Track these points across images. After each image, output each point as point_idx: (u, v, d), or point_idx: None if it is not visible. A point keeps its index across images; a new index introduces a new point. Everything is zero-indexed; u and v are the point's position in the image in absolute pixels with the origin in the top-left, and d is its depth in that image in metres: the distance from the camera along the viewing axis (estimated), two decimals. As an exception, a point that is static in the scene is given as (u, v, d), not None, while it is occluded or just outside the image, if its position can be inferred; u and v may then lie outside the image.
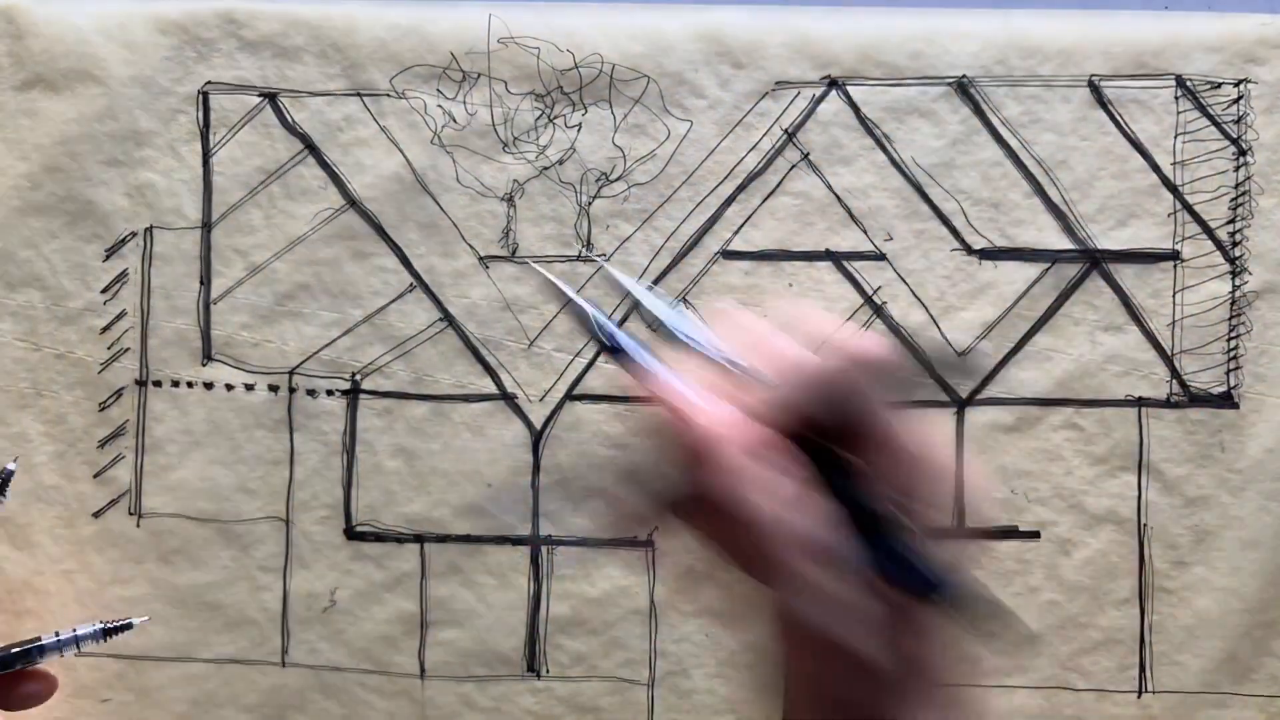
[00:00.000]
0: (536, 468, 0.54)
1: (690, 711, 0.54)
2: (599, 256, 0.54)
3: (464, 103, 0.54)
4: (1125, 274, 0.54)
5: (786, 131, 0.54)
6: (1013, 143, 0.54)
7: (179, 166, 0.54)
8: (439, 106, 0.54)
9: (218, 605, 0.54)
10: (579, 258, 0.54)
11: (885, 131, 0.54)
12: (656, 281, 0.54)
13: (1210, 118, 0.53)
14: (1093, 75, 0.53)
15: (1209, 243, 0.53)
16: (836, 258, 0.54)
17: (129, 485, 0.54)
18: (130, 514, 0.54)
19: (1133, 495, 0.54)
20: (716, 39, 0.54)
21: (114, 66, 0.54)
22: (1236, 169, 0.53)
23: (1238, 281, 0.53)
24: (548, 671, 0.54)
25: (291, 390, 0.54)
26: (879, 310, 0.54)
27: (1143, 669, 0.54)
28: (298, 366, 0.54)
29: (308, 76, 0.54)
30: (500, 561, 0.54)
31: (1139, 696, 0.54)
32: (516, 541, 0.54)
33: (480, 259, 0.54)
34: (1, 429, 0.54)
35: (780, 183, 0.54)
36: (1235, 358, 0.53)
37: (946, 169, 0.54)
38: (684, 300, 0.54)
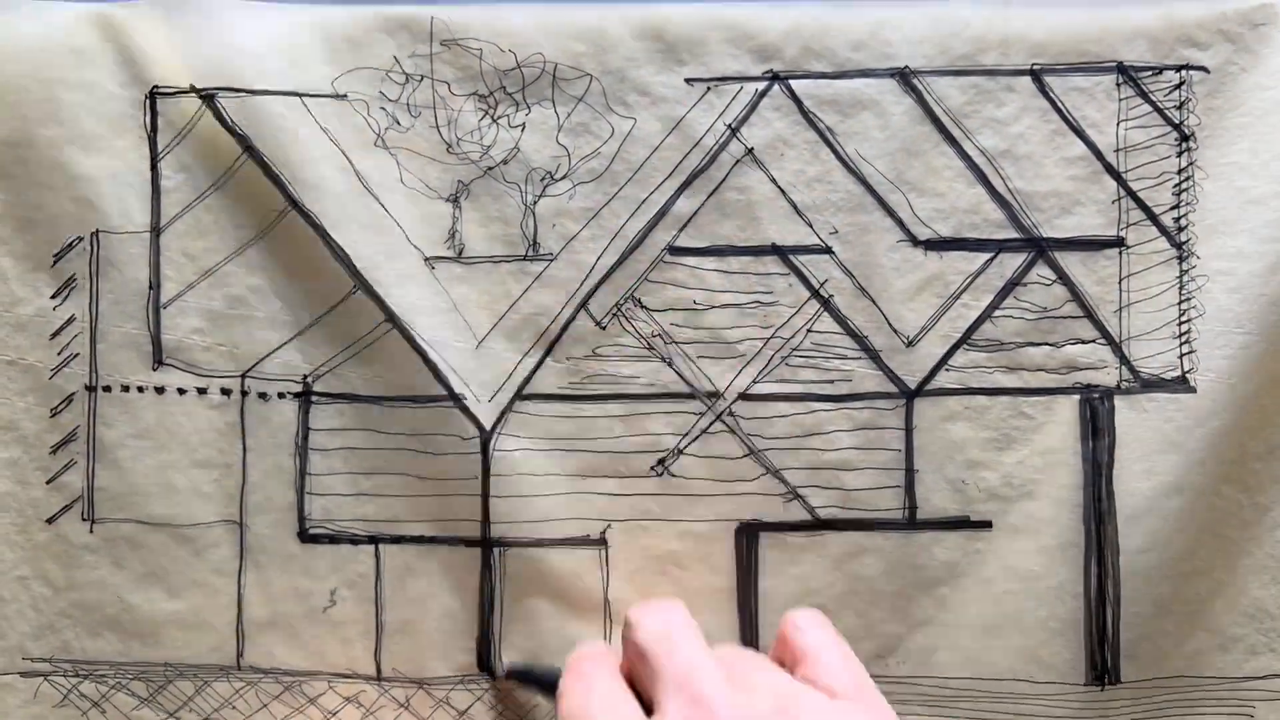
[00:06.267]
0: (486, 469, 0.54)
1: (644, 709, 0.54)
2: (545, 256, 0.54)
3: (407, 105, 0.54)
4: (1071, 262, 0.54)
5: (730, 127, 0.54)
6: (956, 133, 0.54)
7: (126, 170, 0.54)
8: (382, 109, 0.54)
9: (172, 610, 0.54)
10: (525, 257, 0.54)
11: (829, 124, 0.54)
12: (604, 280, 0.54)
13: (1152, 104, 0.53)
14: (1034, 63, 0.53)
15: (1154, 229, 0.53)
16: (783, 252, 0.54)
17: (82, 491, 0.54)
18: (84, 520, 0.54)
19: (1086, 484, 0.53)
20: (658, 35, 0.54)
21: (60, 71, 0.54)
22: (1180, 154, 0.53)
23: (1184, 266, 0.53)
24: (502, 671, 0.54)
25: (244, 394, 0.54)
26: (826, 303, 0.54)
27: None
28: (249, 370, 0.54)
29: (249, 78, 0.54)
30: (454, 562, 0.54)
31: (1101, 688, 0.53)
32: (469, 543, 0.54)
33: (426, 260, 0.54)
34: (-45, 437, 0.54)
35: (725, 178, 0.54)
36: (1188, 341, 0.53)
37: (890, 160, 0.54)
38: (632, 297, 0.54)
